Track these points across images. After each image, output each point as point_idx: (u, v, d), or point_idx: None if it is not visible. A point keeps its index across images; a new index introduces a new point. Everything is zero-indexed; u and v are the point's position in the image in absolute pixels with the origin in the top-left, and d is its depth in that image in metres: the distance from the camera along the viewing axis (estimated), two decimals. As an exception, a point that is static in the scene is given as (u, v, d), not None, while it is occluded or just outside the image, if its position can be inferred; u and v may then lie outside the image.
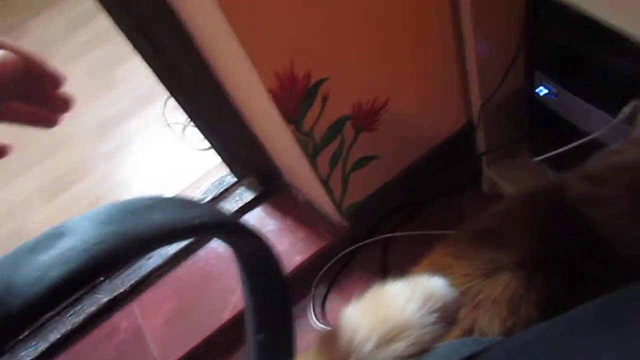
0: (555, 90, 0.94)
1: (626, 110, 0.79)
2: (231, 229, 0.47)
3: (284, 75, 0.91)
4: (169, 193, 1.57)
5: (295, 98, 0.96)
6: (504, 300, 0.64)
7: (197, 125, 1.22)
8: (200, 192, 1.45)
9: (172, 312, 1.30)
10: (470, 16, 0.92)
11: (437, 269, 0.71)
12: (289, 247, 1.33)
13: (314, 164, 1.10)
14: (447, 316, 0.50)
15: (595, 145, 0.92)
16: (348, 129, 1.10)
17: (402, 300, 0.49)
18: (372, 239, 1.37)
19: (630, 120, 0.79)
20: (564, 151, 0.94)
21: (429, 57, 1.10)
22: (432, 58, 1.11)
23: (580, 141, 0.88)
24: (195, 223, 0.41)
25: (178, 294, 1.32)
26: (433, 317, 0.49)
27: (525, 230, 0.69)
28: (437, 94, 1.20)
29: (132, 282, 1.33)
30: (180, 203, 0.44)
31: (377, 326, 0.48)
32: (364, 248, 1.37)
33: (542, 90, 0.97)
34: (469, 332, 0.65)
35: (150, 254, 1.37)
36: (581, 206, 0.66)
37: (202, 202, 0.47)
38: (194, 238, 1.32)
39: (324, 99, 1.00)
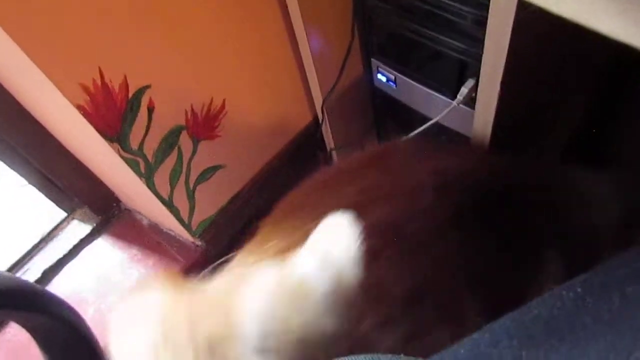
0: (394, 77, 0.91)
1: (463, 90, 0.78)
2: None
3: (95, 88, 0.77)
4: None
5: (114, 113, 0.83)
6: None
7: (5, 162, 1.02)
8: (25, 235, 1.24)
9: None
10: (297, 8, 0.86)
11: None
12: (139, 279, 1.18)
13: (150, 185, 0.97)
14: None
15: (439, 130, 0.91)
16: (185, 140, 0.99)
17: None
18: (231, 254, 1.27)
19: (468, 100, 0.78)
20: (409, 138, 0.92)
21: (262, 53, 1.02)
22: (265, 54, 1.03)
23: (424, 127, 0.86)
24: None
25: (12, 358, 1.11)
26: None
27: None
28: (277, 92, 1.13)
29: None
30: None
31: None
32: (224, 265, 1.26)
33: (381, 79, 0.94)
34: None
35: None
36: None
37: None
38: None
39: (150, 110, 0.88)
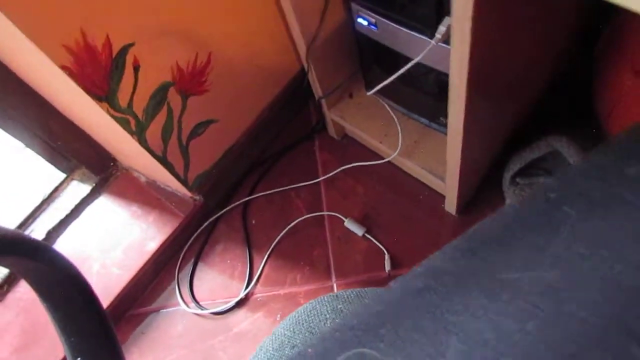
0: (374, 20, 0.92)
1: (441, 29, 0.78)
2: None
3: (78, 48, 0.78)
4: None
5: (100, 72, 0.84)
6: None
7: (1, 126, 1.04)
8: (26, 197, 1.27)
9: (17, 340, 1.14)
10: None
11: None
12: (140, 234, 1.22)
13: (143, 142, 0.99)
14: None
15: (422, 70, 0.92)
16: (173, 97, 1.00)
17: None
18: (229, 207, 1.30)
19: (447, 38, 0.78)
20: (394, 80, 0.93)
21: (243, 5, 1.02)
22: (246, 6, 1.03)
23: (405, 68, 0.87)
24: None
25: (24, 315, 1.16)
26: None
27: None
28: (262, 43, 1.14)
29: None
30: None
31: None
32: (223, 217, 1.30)
33: (362, 23, 0.95)
34: None
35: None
36: None
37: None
38: None
39: (136, 68, 0.89)
